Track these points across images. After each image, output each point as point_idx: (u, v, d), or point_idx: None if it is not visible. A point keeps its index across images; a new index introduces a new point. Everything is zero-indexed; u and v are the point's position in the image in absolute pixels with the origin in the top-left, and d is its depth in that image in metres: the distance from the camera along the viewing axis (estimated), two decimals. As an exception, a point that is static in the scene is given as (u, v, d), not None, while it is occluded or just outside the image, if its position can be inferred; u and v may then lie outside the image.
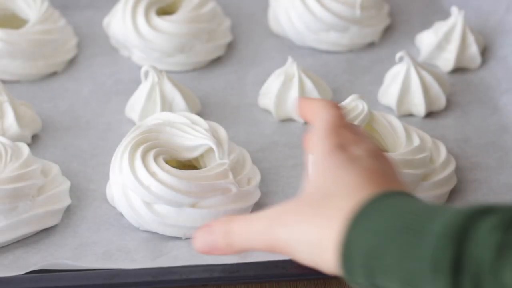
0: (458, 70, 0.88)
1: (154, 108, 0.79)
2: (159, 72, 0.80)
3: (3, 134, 0.76)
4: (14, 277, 0.65)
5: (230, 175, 0.70)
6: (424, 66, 0.83)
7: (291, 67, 0.82)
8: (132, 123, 0.81)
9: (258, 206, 0.71)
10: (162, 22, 0.86)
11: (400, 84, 0.81)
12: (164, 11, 0.89)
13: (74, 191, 0.74)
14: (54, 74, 0.88)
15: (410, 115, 0.82)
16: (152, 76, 0.80)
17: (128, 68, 0.88)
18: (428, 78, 0.82)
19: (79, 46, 0.91)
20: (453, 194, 0.74)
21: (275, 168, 0.76)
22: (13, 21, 0.89)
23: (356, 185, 0.55)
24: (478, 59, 0.88)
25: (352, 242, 0.52)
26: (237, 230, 0.58)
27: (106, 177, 0.73)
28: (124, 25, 0.87)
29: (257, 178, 0.72)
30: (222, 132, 0.73)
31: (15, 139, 0.75)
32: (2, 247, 0.69)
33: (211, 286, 0.66)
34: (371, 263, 0.51)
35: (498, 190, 0.74)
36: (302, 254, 0.55)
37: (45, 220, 0.70)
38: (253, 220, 0.58)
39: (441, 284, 0.48)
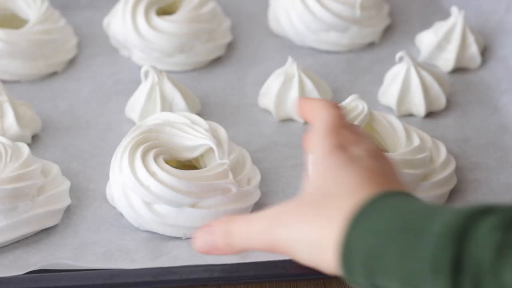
0: (458, 70, 0.88)
1: (154, 108, 0.79)
2: (159, 72, 0.80)
3: (3, 134, 0.76)
4: (14, 277, 0.65)
5: (230, 175, 0.70)
6: (424, 66, 0.83)
7: (291, 67, 0.82)
8: (132, 123, 0.81)
9: (258, 206, 0.71)
10: (162, 22, 0.86)
11: (400, 84, 0.81)
12: (164, 11, 0.89)
13: (74, 191, 0.74)
14: (54, 74, 0.88)
15: (410, 115, 0.82)
16: (152, 76, 0.80)
17: (128, 68, 0.88)
18: (428, 78, 0.82)
19: (79, 46, 0.91)
20: (453, 194, 0.74)
21: (275, 168, 0.76)
22: (13, 21, 0.89)
23: (356, 185, 0.55)
24: (478, 59, 0.88)
25: (352, 242, 0.52)
26: (237, 230, 0.58)
27: (106, 177, 0.73)
28: (124, 25, 0.87)
29: (257, 178, 0.72)
30: (222, 132, 0.73)
31: (15, 139, 0.75)
32: (2, 247, 0.69)
33: (211, 286, 0.66)
34: (371, 263, 0.51)
35: (498, 190, 0.74)
36: (302, 254, 0.55)
37: (45, 220, 0.70)
38: (253, 220, 0.58)
39: (441, 284, 0.48)
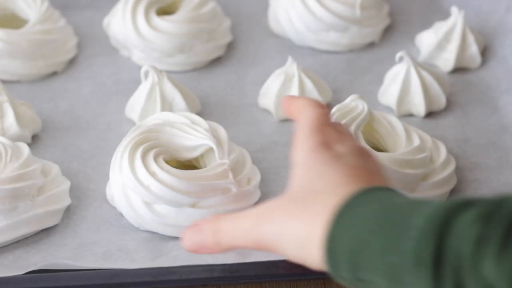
0: (458, 70, 0.88)
1: (154, 108, 0.79)
2: (159, 72, 0.80)
3: (3, 134, 0.76)
4: (14, 277, 0.65)
5: (230, 175, 0.70)
6: (424, 66, 0.83)
7: (291, 67, 0.82)
8: (132, 123, 0.81)
9: (258, 206, 0.71)
10: (162, 22, 0.86)
11: (400, 84, 0.81)
12: (164, 11, 0.89)
13: (74, 191, 0.74)
14: (54, 74, 0.88)
15: (410, 115, 0.82)
16: (152, 76, 0.80)
17: (128, 68, 0.88)
18: (428, 78, 0.82)
19: (79, 46, 0.91)
20: (453, 194, 0.74)
21: (275, 168, 0.76)
22: (13, 21, 0.89)
23: (340, 182, 0.56)
24: (478, 59, 0.88)
25: (336, 237, 0.53)
26: (224, 228, 0.59)
27: (106, 177, 0.73)
28: (124, 25, 0.87)
29: (257, 178, 0.72)
30: (222, 132, 0.73)
31: (15, 139, 0.75)
32: (2, 247, 0.69)
33: (211, 286, 0.66)
34: (355, 258, 0.52)
35: (498, 190, 0.74)
36: (289, 251, 0.56)
37: (45, 220, 0.70)
38: (240, 218, 0.59)
39: (423, 277, 0.48)
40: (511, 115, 0.81)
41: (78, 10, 0.95)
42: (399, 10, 0.96)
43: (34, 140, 0.79)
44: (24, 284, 0.64)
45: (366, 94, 0.79)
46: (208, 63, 0.89)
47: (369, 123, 0.75)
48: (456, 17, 0.87)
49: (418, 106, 0.82)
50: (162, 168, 0.69)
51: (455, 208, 0.49)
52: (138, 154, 0.69)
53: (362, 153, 0.60)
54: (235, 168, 0.71)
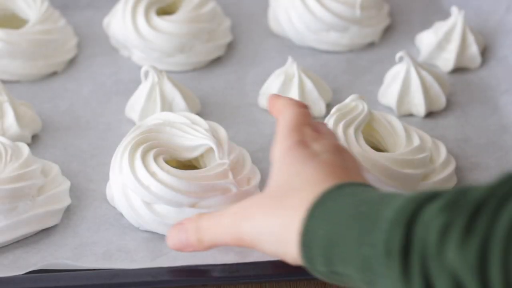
0: (458, 70, 0.88)
1: (154, 108, 0.79)
2: (159, 72, 0.80)
3: (3, 134, 0.76)
4: (14, 277, 0.65)
5: (230, 175, 0.70)
6: (424, 66, 0.83)
7: (291, 67, 0.82)
8: (132, 123, 0.81)
9: (258, 206, 0.71)
10: (162, 22, 0.86)
11: (400, 84, 0.81)
12: (164, 11, 0.89)
13: (74, 191, 0.74)
14: (54, 74, 0.88)
15: (410, 115, 0.82)
16: (152, 76, 0.80)
17: (128, 68, 0.88)
18: (428, 78, 0.82)
19: (79, 46, 0.91)
20: (453, 194, 0.74)
21: (275, 168, 0.76)
22: (13, 21, 0.89)
23: (316, 179, 0.57)
24: (478, 59, 0.88)
25: (311, 232, 0.54)
26: (206, 226, 0.61)
27: (106, 177, 0.73)
28: (124, 25, 0.87)
29: (257, 178, 0.72)
30: (222, 132, 0.73)
31: (15, 139, 0.75)
32: (2, 247, 0.69)
33: (211, 286, 0.66)
34: (329, 251, 0.53)
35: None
36: (267, 247, 0.58)
37: (45, 220, 0.70)
38: (220, 216, 0.61)
39: (393, 267, 0.49)
40: (511, 115, 0.81)
41: (78, 10, 0.95)
42: (399, 10, 0.96)
43: (34, 140, 0.79)
44: (24, 284, 0.64)
45: (366, 94, 0.79)
46: (208, 63, 0.89)
47: (369, 123, 0.75)
48: (456, 17, 0.87)
49: (418, 106, 0.82)
50: (162, 168, 0.69)
51: (423, 199, 0.50)
52: (138, 154, 0.69)
53: (339, 151, 0.61)
54: (235, 168, 0.71)
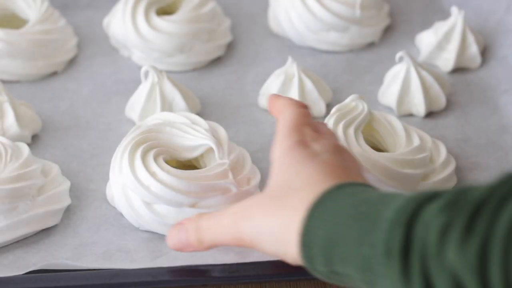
0: (458, 70, 0.88)
1: (154, 108, 0.79)
2: (159, 72, 0.80)
3: (3, 134, 0.76)
4: (14, 277, 0.65)
5: (230, 175, 0.70)
6: (424, 66, 0.83)
7: (291, 67, 0.82)
8: (132, 123, 0.81)
9: (258, 206, 0.71)
10: (162, 22, 0.86)
11: (400, 84, 0.81)
12: (164, 11, 0.89)
13: (74, 191, 0.74)
14: (54, 74, 0.88)
15: (410, 115, 0.82)
16: (152, 76, 0.80)
17: (128, 68, 0.88)
18: (428, 78, 0.82)
19: (79, 46, 0.91)
20: (453, 194, 0.74)
21: (275, 168, 0.76)
22: (13, 21, 0.89)
23: (316, 179, 0.57)
24: (478, 59, 0.88)
25: (310, 232, 0.54)
26: (205, 226, 0.61)
27: (106, 177, 0.73)
28: (124, 25, 0.87)
29: (257, 178, 0.72)
30: (222, 132, 0.73)
31: (15, 139, 0.75)
32: (2, 247, 0.69)
33: (211, 286, 0.66)
34: (329, 251, 0.53)
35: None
36: (268, 247, 0.58)
37: (45, 220, 0.70)
38: (220, 216, 0.61)
39: (393, 267, 0.49)
40: (511, 115, 0.81)
41: (78, 10, 0.95)
42: (399, 10, 0.96)
43: (34, 140, 0.79)
44: (24, 284, 0.64)
45: (366, 94, 0.79)
46: (208, 63, 0.89)
47: (369, 123, 0.75)
48: (456, 17, 0.87)
49: (418, 106, 0.82)
50: (162, 168, 0.69)
51: (423, 199, 0.50)
52: (138, 154, 0.69)
53: (339, 151, 0.61)
54: (235, 168, 0.71)
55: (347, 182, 0.57)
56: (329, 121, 0.73)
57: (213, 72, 0.88)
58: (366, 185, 0.57)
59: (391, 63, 0.84)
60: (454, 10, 0.88)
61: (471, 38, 0.87)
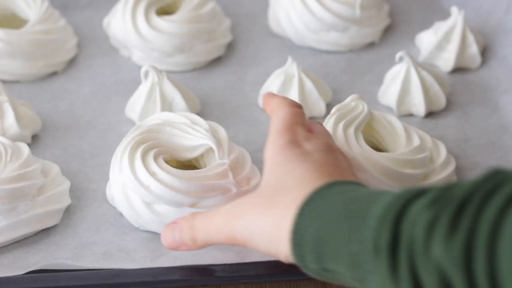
0: (458, 70, 0.88)
1: (154, 108, 0.79)
2: (159, 72, 0.80)
3: (3, 134, 0.76)
4: (14, 277, 0.65)
5: (230, 175, 0.70)
6: (424, 66, 0.83)
7: (291, 67, 0.82)
8: (132, 123, 0.81)
9: (258, 206, 0.71)
10: (162, 22, 0.86)
11: (400, 84, 0.81)
12: (164, 11, 0.89)
13: (74, 191, 0.74)
14: (54, 74, 0.88)
15: (410, 115, 0.82)
16: (152, 76, 0.80)
17: (128, 68, 0.88)
18: (428, 78, 0.82)
19: (79, 46, 0.91)
20: (453, 194, 0.74)
21: (275, 168, 0.76)
22: (13, 21, 0.89)
23: (308, 177, 0.58)
24: (478, 59, 0.88)
25: (301, 230, 0.55)
26: (199, 225, 0.62)
27: (106, 177, 0.73)
28: (124, 25, 0.87)
29: (257, 178, 0.72)
30: (222, 132, 0.73)
31: (15, 139, 0.75)
32: (2, 247, 0.69)
33: (211, 286, 0.66)
34: (319, 249, 0.54)
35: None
36: (260, 245, 0.58)
37: (45, 220, 0.70)
38: (213, 215, 0.61)
39: (382, 264, 0.50)
40: (511, 115, 0.81)
41: (78, 10, 0.95)
42: (399, 10, 0.96)
43: (34, 140, 0.79)
44: (24, 284, 0.64)
45: (366, 94, 0.79)
46: (208, 63, 0.89)
47: (369, 123, 0.75)
48: (456, 17, 0.87)
49: (418, 106, 0.82)
50: (162, 168, 0.69)
51: (410, 196, 0.51)
52: (138, 154, 0.69)
53: (331, 150, 0.62)
54: (235, 168, 0.71)
55: (337, 181, 0.57)
56: (329, 121, 0.73)
57: (213, 72, 0.88)
58: (356, 184, 0.58)
59: (391, 63, 0.84)
60: (454, 10, 0.88)
61: (471, 38, 0.87)
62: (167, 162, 0.70)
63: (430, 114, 0.82)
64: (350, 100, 0.75)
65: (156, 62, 0.86)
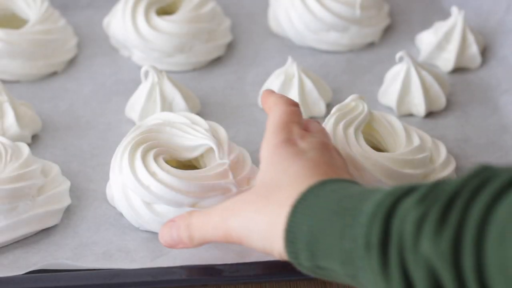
0: (458, 70, 0.88)
1: (154, 108, 0.79)
2: (159, 72, 0.80)
3: (3, 134, 0.76)
4: (14, 277, 0.65)
5: (230, 175, 0.70)
6: (424, 66, 0.83)
7: (291, 67, 0.82)
8: (132, 123, 0.81)
9: (258, 206, 0.71)
10: (162, 22, 0.86)
11: (400, 84, 0.81)
12: (164, 11, 0.89)
13: (74, 191, 0.74)
14: (54, 74, 0.88)
15: (410, 115, 0.82)
16: (152, 76, 0.80)
17: (128, 68, 0.88)
18: (428, 78, 0.82)
19: (79, 46, 0.91)
20: (453, 194, 0.74)
21: (275, 168, 0.76)
22: (13, 21, 0.89)
23: (302, 175, 0.59)
24: (478, 59, 0.88)
25: (295, 227, 0.55)
26: (195, 223, 0.62)
27: (106, 177, 0.73)
28: (124, 25, 0.87)
29: (257, 178, 0.72)
30: (222, 132, 0.73)
31: (15, 139, 0.75)
32: (2, 247, 0.69)
33: (211, 286, 0.66)
34: (312, 246, 0.54)
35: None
36: (255, 243, 0.59)
37: (45, 220, 0.70)
38: (209, 213, 0.62)
39: (373, 260, 0.50)
40: (511, 115, 0.81)
41: (78, 10, 0.95)
42: (399, 10, 0.96)
43: (34, 140, 0.79)
44: (24, 284, 0.64)
45: (366, 94, 0.79)
46: (208, 63, 0.89)
47: (369, 123, 0.75)
48: (456, 17, 0.87)
49: (418, 106, 0.82)
50: (162, 168, 0.69)
51: (401, 193, 0.51)
52: (138, 154, 0.69)
53: (326, 149, 0.62)
54: (235, 168, 0.71)
55: (331, 179, 0.58)
56: (329, 121, 0.73)
57: (213, 72, 0.88)
58: (350, 181, 0.58)
59: (391, 63, 0.84)
60: (454, 10, 0.88)
61: (471, 38, 0.87)
62: (167, 162, 0.70)
63: (430, 114, 0.82)
64: (350, 100, 0.75)
65: (156, 62, 0.86)
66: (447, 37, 0.87)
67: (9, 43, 0.85)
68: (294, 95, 0.81)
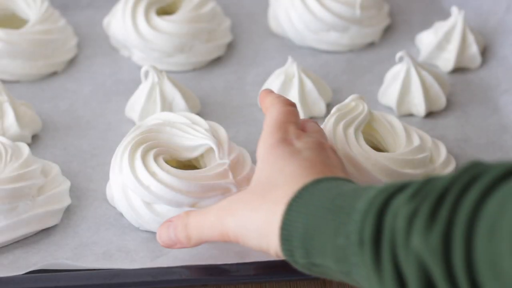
0: (458, 70, 0.88)
1: (154, 108, 0.79)
2: (159, 72, 0.80)
3: (3, 134, 0.76)
4: (14, 277, 0.65)
5: (230, 175, 0.70)
6: (424, 66, 0.83)
7: (291, 67, 0.82)
8: (132, 123, 0.81)
9: (258, 206, 0.71)
10: (162, 22, 0.86)
11: (400, 84, 0.81)
12: (164, 11, 0.89)
13: (74, 191, 0.74)
14: (54, 74, 0.88)
15: (410, 115, 0.82)
16: (152, 76, 0.80)
17: (128, 68, 0.88)
18: (428, 78, 0.82)
19: (79, 46, 0.91)
20: (453, 194, 0.74)
21: (275, 168, 0.76)
22: (13, 21, 0.89)
23: (297, 174, 0.59)
24: (478, 59, 0.88)
25: (290, 225, 0.56)
26: (192, 223, 0.63)
27: (106, 177, 0.73)
28: (124, 25, 0.87)
29: (257, 178, 0.72)
30: (222, 132, 0.73)
31: (15, 139, 0.75)
32: (2, 247, 0.69)
33: (211, 286, 0.66)
34: (307, 244, 0.55)
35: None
36: (251, 241, 0.59)
37: (45, 220, 0.70)
38: (206, 213, 0.62)
39: (366, 256, 0.51)
40: (511, 115, 0.81)
41: (78, 10, 0.95)
42: (399, 10, 0.96)
43: (34, 140, 0.79)
44: (24, 284, 0.64)
45: (366, 94, 0.79)
46: (208, 63, 0.89)
47: (369, 123, 0.75)
48: (456, 17, 0.87)
49: (418, 106, 0.82)
50: (162, 168, 0.69)
51: (393, 190, 0.52)
52: (138, 154, 0.69)
53: (322, 148, 0.63)
54: (235, 168, 0.71)
55: (326, 177, 0.58)
56: (329, 121, 0.73)
57: (213, 72, 0.88)
58: (345, 180, 0.59)
59: (391, 63, 0.84)
60: (454, 10, 0.88)
61: (471, 38, 0.87)
62: (167, 162, 0.70)
63: (430, 114, 0.82)
64: (350, 100, 0.75)
65: (156, 62, 0.86)
66: (447, 37, 0.87)
67: (9, 43, 0.85)
68: (294, 95, 0.81)
